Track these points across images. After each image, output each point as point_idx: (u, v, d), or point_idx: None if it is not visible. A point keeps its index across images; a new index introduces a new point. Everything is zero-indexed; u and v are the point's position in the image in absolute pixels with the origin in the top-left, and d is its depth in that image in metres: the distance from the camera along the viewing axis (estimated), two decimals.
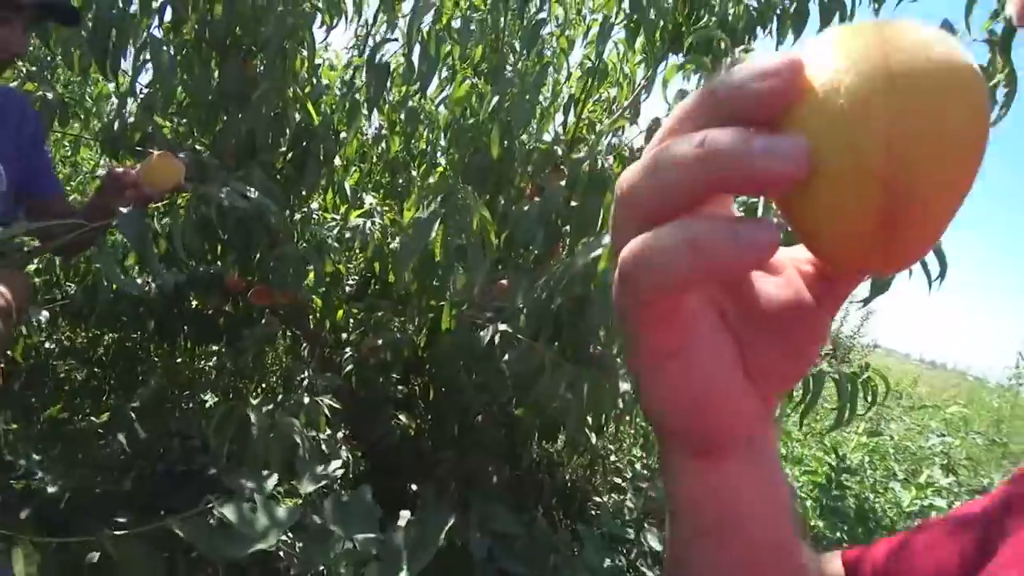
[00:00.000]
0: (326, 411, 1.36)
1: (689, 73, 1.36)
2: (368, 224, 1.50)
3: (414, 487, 1.30)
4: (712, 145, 0.18)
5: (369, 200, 1.73)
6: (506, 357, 1.10)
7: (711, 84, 0.20)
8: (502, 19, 1.58)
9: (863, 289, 1.25)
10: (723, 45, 1.96)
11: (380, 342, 1.54)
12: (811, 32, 1.91)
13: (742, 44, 1.89)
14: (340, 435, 1.51)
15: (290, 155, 1.51)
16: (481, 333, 1.15)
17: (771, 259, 0.19)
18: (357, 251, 1.73)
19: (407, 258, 1.05)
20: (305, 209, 1.64)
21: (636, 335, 0.23)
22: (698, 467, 0.26)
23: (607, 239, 1.12)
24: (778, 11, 1.83)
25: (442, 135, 1.82)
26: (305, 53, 1.49)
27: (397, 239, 1.66)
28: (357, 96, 1.55)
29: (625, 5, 1.74)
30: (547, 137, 1.84)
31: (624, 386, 1.21)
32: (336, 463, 1.33)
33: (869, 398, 1.36)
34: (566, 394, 1.01)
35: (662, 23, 1.76)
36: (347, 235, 1.51)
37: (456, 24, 1.51)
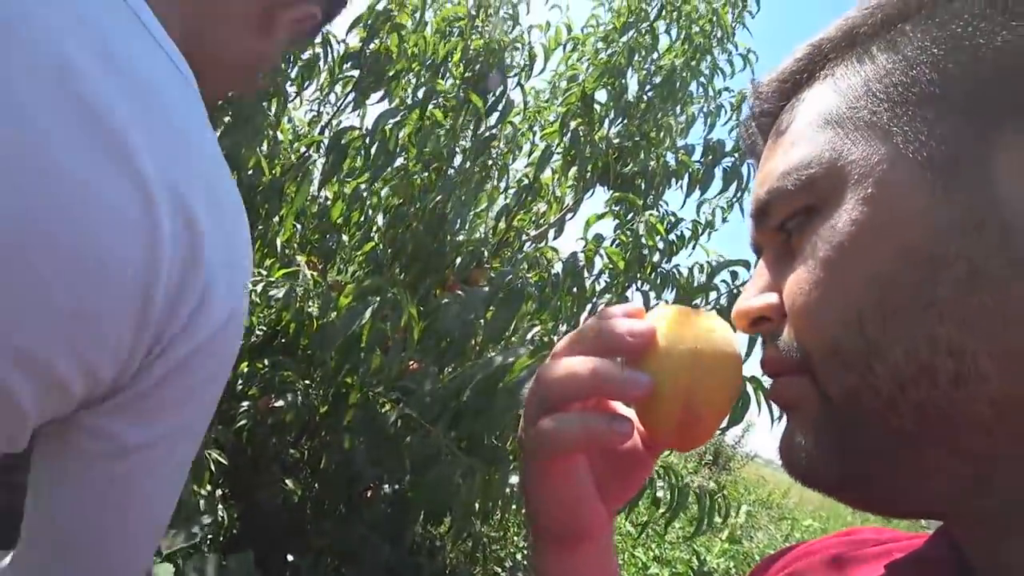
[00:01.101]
0: (212, 466, 1.35)
1: (609, 216, 1.57)
2: (295, 287, 1.55)
3: (290, 557, 1.30)
4: (601, 369, 0.32)
5: (299, 259, 1.78)
6: (408, 440, 1.18)
7: (597, 323, 0.34)
8: (458, 132, 1.75)
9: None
10: (642, 186, 2.26)
11: (280, 403, 1.55)
12: (715, 189, 2.24)
13: (657, 191, 2.19)
14: (219, 492, 1.48)
15: None
16: (384, 411, 1.23)
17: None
18: (270, 306, 1.76)
19: (334, 339, 1.13)
20: None
21: (534, 468, 0.36)
22: (560, 552, 0.39)
23: (522, 350, 1.26)
24: (688, 171, 2.15)
25: (381, 215, 1.93)
26: (273, 110, 1.58)
27: (315, 303, 1.71)
28: (312, 167, 1.65)
29: (566, 139, 1.99)
30: (477, 235, 2.00)
31: (513, 479, 1.32)
32: (207, 519, 1.31)
33: (722, 514, 1.57)
34: (459, 481, 1.09)
35: (594, 160, 2.02)
36: (271, 292, 1.55)
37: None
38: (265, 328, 1.88)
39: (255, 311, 1.65)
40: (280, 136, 1.89)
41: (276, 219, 1.78)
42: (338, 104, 1.93)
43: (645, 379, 0.32)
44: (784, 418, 0.32)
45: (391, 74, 1.81)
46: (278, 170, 1.75)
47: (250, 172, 1.58)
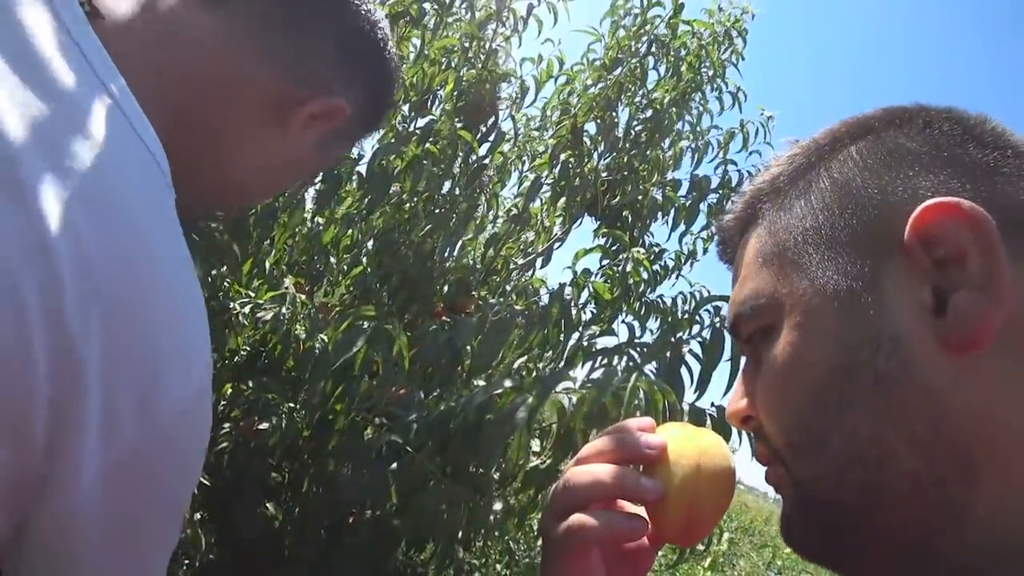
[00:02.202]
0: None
1: (597, 250, 1.61)
2: (283, 310, 1.56)
3: None
4: (622, 476, 0.39)
5: (286, 283, 1.79)
6: (394, 466, 1.18)
7: (617, 436, 0.41)
8: (450, 164, 1.78)
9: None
10: (629, 219, 2.30)
11: (265, 425, 1.55)
12: (703, 221, 2.30)
13: (644, 224, 2.23)
14: (196, 516, 1.46)
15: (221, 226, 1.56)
16: (369, 437, 1.23)
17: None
18: (257, 327, 1.76)
19: (327, 365, 1.14)
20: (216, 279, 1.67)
21: (559, 557, 0.41)
22: None
23: (508, 382, 1.28)
24: (675, 206, 2.20)
25: (371, 240, 1.95)
26: None
27: (303, 325, 1.72)
28: (306, 195, 1.67)
29: (556, 170, 2.03)
30: (466, 261, 2.03)
31: (497, 505, 1.32)
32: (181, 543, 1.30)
33: (704, 541, 1.59)
34: (443, 508, 1.10)
35: (583, 192, 2.06)
36: (259, 314, 1.56)
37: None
38: (249, 348, 1.88)
39: (241, 332, 1.65)
40: None
41: (267, 242, 1.79)
42: None
43: (658, 486, 0.38)
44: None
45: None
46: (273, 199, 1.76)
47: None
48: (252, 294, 1.71)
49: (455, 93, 1.98)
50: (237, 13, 0.45)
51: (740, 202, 0.41)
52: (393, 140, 1.79)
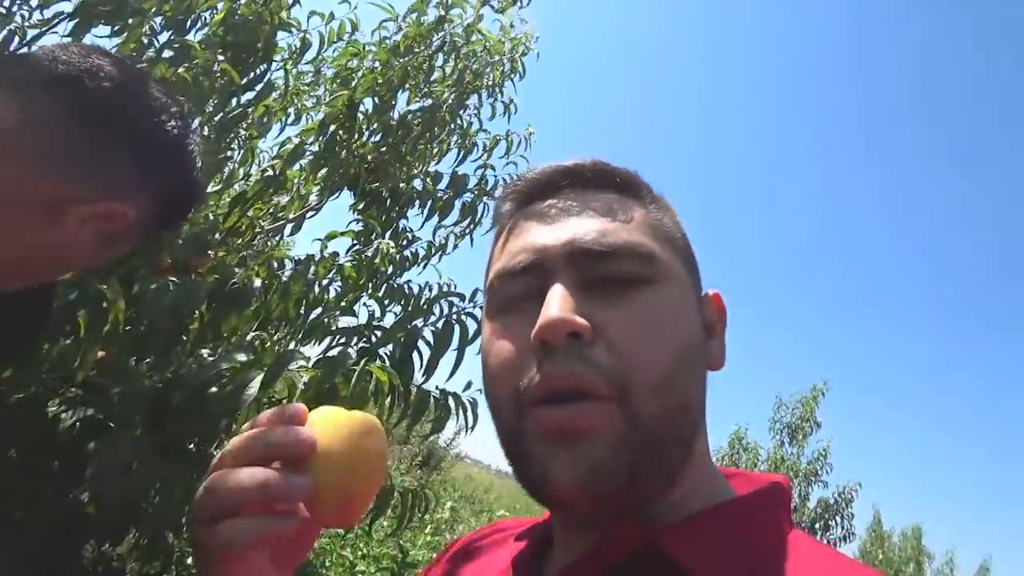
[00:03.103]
0: None
1: (350, 235, 1.63)
2: None
3: None
4: (269, 482, 0.36)
5: None
6: (91, 445, 1.06)
7: (262, 434, 0.38)
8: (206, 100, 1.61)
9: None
10: (387, 202, 2.35)
11: None
12: (455, 216, 2.45)
13: (401, 209, 2.30)
14: None
15: None
16: (61, 414, 1.08)
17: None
18: None
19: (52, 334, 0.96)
20: None
21: (213, 566, 0.38)
22: None
23: (240, 355, 1.24)
24: (432, 198, 2.32)
25: None
26: None
27: None
28: None
29: (323, 140, 1.97)
30: (206, 214, 1.85)
31: None
32: None
33: (422, 510, 1.75)
34: (154, 492, 1.03)
35: (347, 168, 2.04)
36: None
37: None
38: None
39: None
40: None
41: None
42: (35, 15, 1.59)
43: (307, 484, 0.37)
44: (561, 447, 0.38)
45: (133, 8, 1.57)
46: None
47: None
48: None
49: (224, 24, 1.78)
50: (34, 107, 0.44)
51: (610, 169, 0.48)
52: (133, 54, 1.55)
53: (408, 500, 1.69)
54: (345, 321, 1.74)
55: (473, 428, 1.74)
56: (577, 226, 0.43)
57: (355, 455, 0.39)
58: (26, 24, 1.68)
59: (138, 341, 1.46)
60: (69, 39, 1.54)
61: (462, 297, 1.98)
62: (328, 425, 0.39)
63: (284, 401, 1.42)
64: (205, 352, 1.40)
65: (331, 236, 1.59)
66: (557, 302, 0.39)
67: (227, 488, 0.37)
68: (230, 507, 0.37)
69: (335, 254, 1.57)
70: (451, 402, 1.66)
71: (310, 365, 1.24)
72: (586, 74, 78.60)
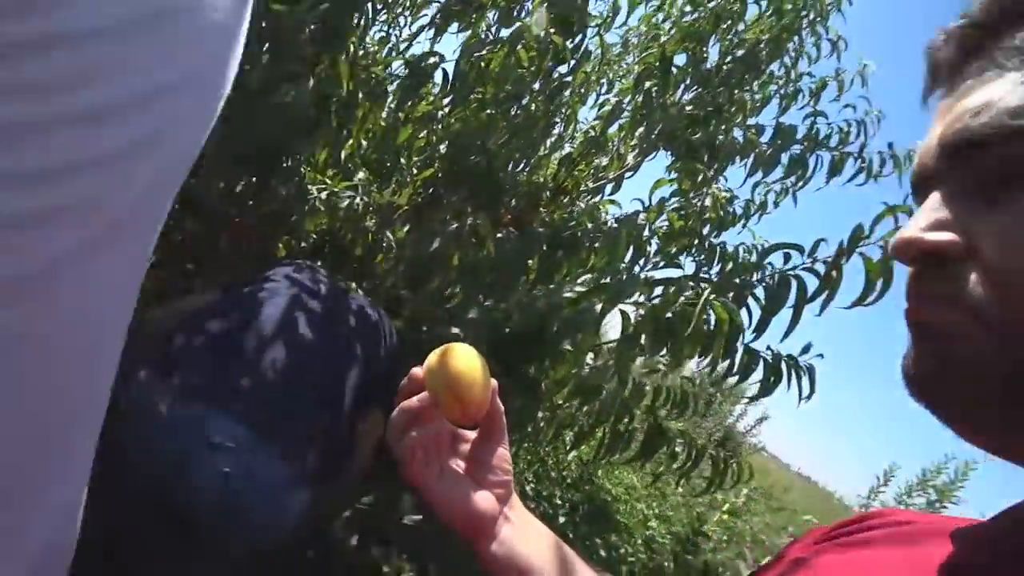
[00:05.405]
0: None
1: (668, 183, 1.58)
2: (357, 199, 1.60)
3: None
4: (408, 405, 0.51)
5: (360, 175, 1.82)
6: None
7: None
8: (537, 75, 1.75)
9: (752, 389, 1.52)
10: (705, 158, 2.24)
11: None
12: (779, 172, 2.22)
13: (721, 165, 2.17)
14: None
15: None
16: (426, 330, 1.28)
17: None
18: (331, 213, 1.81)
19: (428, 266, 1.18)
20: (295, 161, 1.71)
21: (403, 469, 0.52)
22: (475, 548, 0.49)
23: (567, 291, 1.30)
24: (755, 151, 2.13)
25: (444, 144, 1.95)
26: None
27: (374, 219, 1.76)
28: (388, 85, 1.66)
29: (639, 98, 1.97)
30: (536, 177, 2.02)
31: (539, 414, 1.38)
32: None
33: (735, 478, 1.64)
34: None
35: (663, 124, 2.00)
36: (336, 201, 1.60)
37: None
38: (316, 237, 1.93)
39: (316, 216, 1.69)
40: (361, 51, 1.90)
41: (344, 132, 1.81)
42: (411, 27, 1.92)
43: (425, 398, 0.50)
44: (918, 339, 0.31)
45: (475, 5, 1.80)
46: (350, 84, 1.77)
47: (322, 78, 1.59)
48: (328, 181, 1.75)
49: (545, 2, 1.92)
50: None
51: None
52: (474, 42, 1.76)
53: (720, 465, 1.58)
54: (668, 274, 1.70)
55: (808, 397, 1.53)
56: (955, 112, 0.32)
57: (448, 363, 0.50)
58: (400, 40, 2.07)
59: (482, 284, 1.66)
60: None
61: (801, 250, 1.76)
62: (433, 357, 0.52)
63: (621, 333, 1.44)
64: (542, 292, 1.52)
65: (658, 184, 1.56)
66: (915, 217, 0.32)
67: (394, 418, 0.51)
68: (403, 426, 0.50)
69: (662, 200, 1.54)
70: (783, 365, 1.48)
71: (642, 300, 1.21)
72: None
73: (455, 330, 1.30)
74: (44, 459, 0.27)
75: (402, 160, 2.14)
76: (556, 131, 1.99)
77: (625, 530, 2.92)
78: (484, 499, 0.50)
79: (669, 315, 1.04)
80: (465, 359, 0.50)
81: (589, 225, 1.45)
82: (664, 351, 1.15)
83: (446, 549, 1.48)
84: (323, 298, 1.26)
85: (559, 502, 2.50)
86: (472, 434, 0.54)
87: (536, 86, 1.94)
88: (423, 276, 1.31)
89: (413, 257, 1.29)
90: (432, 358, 0.51)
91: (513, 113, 1.86)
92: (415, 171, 2.13)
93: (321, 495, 1.14)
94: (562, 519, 2.40)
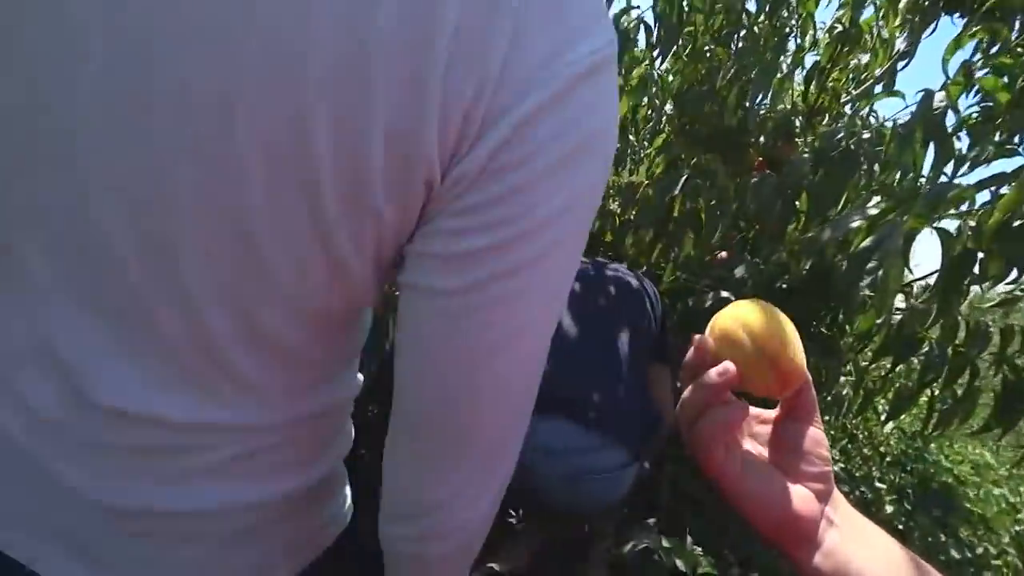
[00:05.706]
0: None
1: (969, 40, 1.20)
2: None
3: None
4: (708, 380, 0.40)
5: None
6: None
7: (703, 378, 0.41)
8: None
9: None
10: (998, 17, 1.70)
11: None
12: None
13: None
14: None
15: None
16: (703, 297, 1.18)
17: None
18: None
19: (648, 218, 1.11)
20: None
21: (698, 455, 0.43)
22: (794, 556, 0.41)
23: (855, 221, 1.07)
24: None
25: (669, 103, 1.82)
26: None
27: (615, 201, 1.73)
28: None
29: None
30: (782, 106, 1.75)
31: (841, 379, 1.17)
32: None
33: None
34: None
35: None
36: None
37: None
38: None
39: None
40: None
41: None
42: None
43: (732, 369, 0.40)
44: None
45: None
46: None
47: None
48: None
49: None
50: None
51: None
52: None
53: None
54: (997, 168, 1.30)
55: None
56: None
57: (753, 331, 0.41)
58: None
59: (744, 240, 1.49)
60: None
61: None
62: (725, 319, 0.43)
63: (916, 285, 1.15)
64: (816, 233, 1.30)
65: (956, 44, 1.21)
66: None
67: (687, 398, 0.43)
68: (702, 403, 0.41)
69: (966, 64, 1.18)
70: None
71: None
72: None
73: (725, 294, 1.18)
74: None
75: (631, 136, 2.07)
76: (791, 44, 1.70)
77: (981, 522, 2.33)
78: (802, 496, 0.40)
79: (1019, 222, 0.77)
80: (770, 316, 0.41)
81: (865, 135, 1.19)
82: (1015, 274, 0.86)
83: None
84: (582, 277, 1.28)
85: (880, 485, 2.06)
86: (770, 413, 0.45)
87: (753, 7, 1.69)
88: (674, 243, 1.22)
89: (653, 220, 1.19)
90: (724, 320, 0.42)
91: (736, 38, 1.64)
92: (646, 143, 2.04)
93: (645, 456, 1.22)
94: (889, 507, 1.99)
